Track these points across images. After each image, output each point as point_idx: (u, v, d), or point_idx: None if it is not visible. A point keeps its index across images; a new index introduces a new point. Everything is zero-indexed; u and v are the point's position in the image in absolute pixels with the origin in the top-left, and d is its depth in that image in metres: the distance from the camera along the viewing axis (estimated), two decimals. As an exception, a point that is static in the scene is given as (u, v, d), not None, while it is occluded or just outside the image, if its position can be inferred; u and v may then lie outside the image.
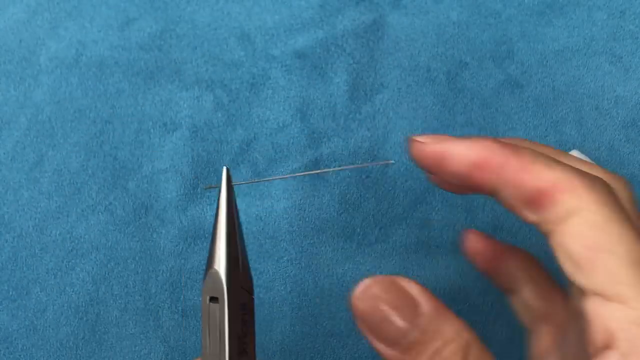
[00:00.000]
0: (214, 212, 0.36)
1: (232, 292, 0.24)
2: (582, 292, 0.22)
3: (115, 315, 0.35)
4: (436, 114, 0.37)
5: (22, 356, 0.35)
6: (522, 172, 0.23)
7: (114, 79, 0.37)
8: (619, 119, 0.38)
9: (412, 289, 0.23)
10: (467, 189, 0.25)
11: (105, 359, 0.35)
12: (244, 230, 0.36)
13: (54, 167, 0.36)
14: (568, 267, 0.22)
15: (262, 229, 0.36)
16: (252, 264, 0.36)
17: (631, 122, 0.38)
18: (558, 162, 0.23)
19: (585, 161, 0.25)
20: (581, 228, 0.21)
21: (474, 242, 0.29)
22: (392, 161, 0.36)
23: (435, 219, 0.36)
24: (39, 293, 0.36)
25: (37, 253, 0.36)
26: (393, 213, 0.36)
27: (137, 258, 0.35)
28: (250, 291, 0.26)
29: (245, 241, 0.36)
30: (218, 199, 0.25)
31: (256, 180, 0.36)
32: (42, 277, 0.36)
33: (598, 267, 0.21)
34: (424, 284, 0.36)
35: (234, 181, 0.27)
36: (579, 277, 0.21)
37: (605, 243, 0.21)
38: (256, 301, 0.36)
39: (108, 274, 0.35)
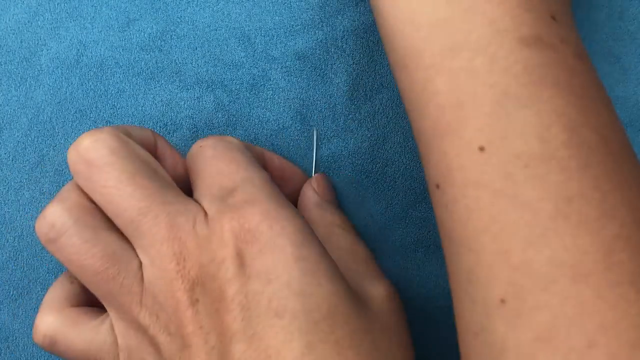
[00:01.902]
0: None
1: None
2: None
3: (116, 315, 0.35)
4: (435, 114, 0.37)
5: (22, 355, 0.36)
6: None
7: (115, 79, 0.37)
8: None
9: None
10: None
11: (107, 358, 0.35)
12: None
13: (55, 167, 0.37)
14: None
15: (263, 229, 0.36)
16: (252, 264, 0.36)
17: (630, 122, 0.38)
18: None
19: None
20: None
21: None
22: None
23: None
24: (40, 293, 0.36)
25: (38, 253, 0.36)
26: (392, 213, 0.37)
27: (137, 258, 0.35)
28: None
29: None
30: None
31: None
32: (43, 277, 0.36)
33: None
34: (424, 284, 0.36)
35: None
36: None
37: None
38: (256, 301, 0.36)
39: (109, 273, 0.35)
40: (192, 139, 0.36)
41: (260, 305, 0.26)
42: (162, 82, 0.37)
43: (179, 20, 0.38)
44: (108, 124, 0.36)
